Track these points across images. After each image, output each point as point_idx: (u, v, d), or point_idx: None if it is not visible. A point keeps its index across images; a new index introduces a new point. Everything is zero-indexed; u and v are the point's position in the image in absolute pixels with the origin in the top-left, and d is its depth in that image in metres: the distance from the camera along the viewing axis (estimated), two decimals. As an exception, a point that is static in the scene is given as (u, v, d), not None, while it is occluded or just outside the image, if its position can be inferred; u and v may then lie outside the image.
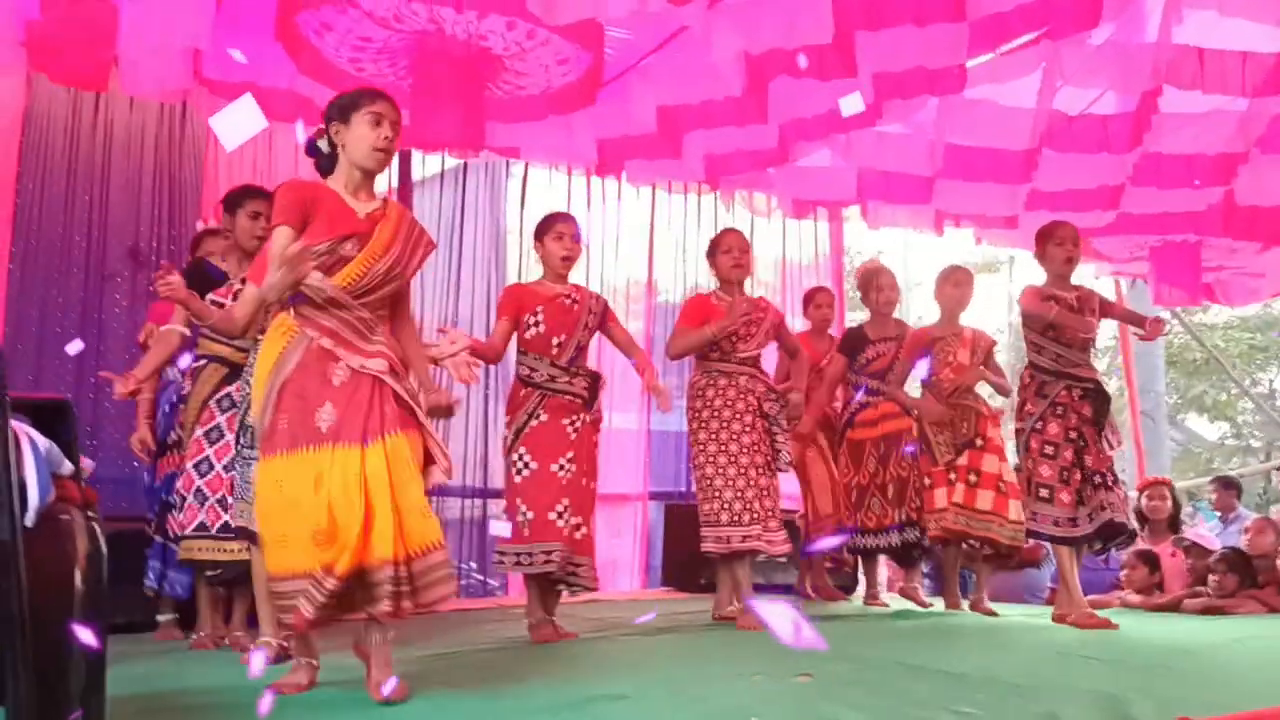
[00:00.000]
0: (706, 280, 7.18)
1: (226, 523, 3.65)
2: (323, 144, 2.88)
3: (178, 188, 5.32)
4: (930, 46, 4.16)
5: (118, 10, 4.20)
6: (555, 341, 3.99)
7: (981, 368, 4.92)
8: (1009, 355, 13.45)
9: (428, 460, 2.79)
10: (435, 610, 5.19)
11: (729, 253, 4.40)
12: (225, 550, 3.70)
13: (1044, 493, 4.36)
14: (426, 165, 6.29)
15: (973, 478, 4.80)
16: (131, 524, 4.24)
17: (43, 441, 1.76)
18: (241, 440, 3.41)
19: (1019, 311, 4.65)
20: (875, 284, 5.18)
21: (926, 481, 4.92)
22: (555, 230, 4.06)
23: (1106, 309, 4.65)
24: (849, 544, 5.16)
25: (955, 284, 4.97)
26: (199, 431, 3.78)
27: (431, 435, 2.80)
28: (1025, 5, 3.96)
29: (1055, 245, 4.46)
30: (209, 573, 3.80)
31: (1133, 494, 6.97)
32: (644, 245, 7.06)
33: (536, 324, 4.00)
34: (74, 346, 4.48)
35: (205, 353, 3.88)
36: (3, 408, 1.62)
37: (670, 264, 7.14)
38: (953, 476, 4.84)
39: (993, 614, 4.84)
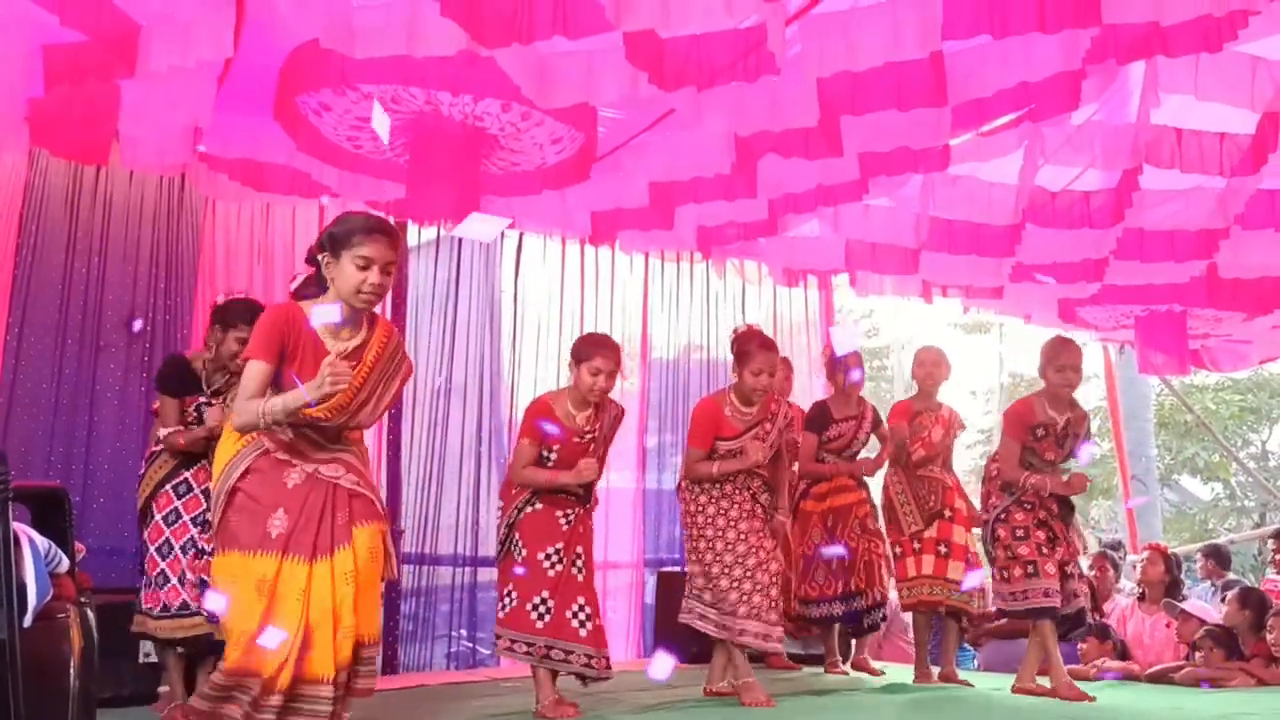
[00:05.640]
0: (700, 339, 7.29)
1: (186, 601, 3.79)
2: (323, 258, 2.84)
3: (175, 260, 5.35)
4: (913, 128, 4.25)
5: (120, 88, 4.28)
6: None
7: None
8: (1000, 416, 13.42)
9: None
10: (424, 684, 5.16)
11: (759, 375, 4.20)
12: (183, 627, 3.80)
13: (1030, 568, 4.38)
14: (422, 233, 6.35)
15: (943, 549, 4.97)
16: (122, 595, 4.22)
17: (42, 542, 1.79)
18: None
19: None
20: (844, 364, 5.22)
21: (896, 551, 5.07)
22: (594, 364, 3.92)
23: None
24: (795, 613, 5.23)
25: (934, 363, 5.23)
26: (158, 516, 3.87)
27: (387, 538, 2.83)
28: (1005, 90, 4.06)
29: (1055, 371, 4.39)
30: (179, 650, 3.88)
31: (1133, 557, 7.07)
32: (638, 307, 7.13)
33: (549, 455, 4.02)
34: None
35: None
36: (4, 512, 1.65)
37: (664, 324, 7.22)
38: (917, 546, 5.00)
39: (967, 684, 4.93)
